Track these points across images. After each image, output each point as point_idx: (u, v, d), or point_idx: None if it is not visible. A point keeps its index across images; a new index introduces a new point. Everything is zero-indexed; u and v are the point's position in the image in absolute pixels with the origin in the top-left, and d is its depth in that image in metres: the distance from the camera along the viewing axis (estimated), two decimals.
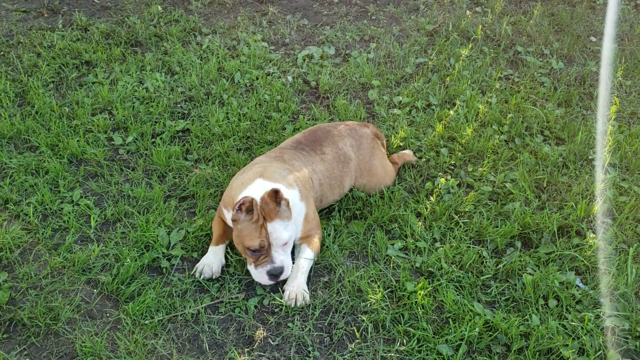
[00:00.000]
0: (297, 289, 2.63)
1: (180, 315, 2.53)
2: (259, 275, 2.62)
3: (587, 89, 4.35)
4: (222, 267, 2.75)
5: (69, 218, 2.97)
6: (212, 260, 2.74)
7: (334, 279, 2.76)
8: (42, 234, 2.89)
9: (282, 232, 2.59)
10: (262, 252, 2.58)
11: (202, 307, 2.57)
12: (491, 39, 4.97)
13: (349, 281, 2.72)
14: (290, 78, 4.32)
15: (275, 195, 2.56)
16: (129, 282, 2.66)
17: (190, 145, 3.55)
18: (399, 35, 5.00)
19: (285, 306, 2.59)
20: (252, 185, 2.67)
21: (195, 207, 3.10)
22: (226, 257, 2.81)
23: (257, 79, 4.23)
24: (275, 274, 2.59)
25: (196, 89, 4.07)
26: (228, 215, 2.75)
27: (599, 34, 5.11)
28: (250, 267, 2.64)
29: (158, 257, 2.79)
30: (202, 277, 2.70)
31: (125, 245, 2.84)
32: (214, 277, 2.71)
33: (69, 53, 4.48)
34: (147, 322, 2.47)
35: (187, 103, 3.97)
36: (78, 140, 3.49)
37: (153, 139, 3.59)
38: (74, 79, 4.19)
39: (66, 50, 4.50)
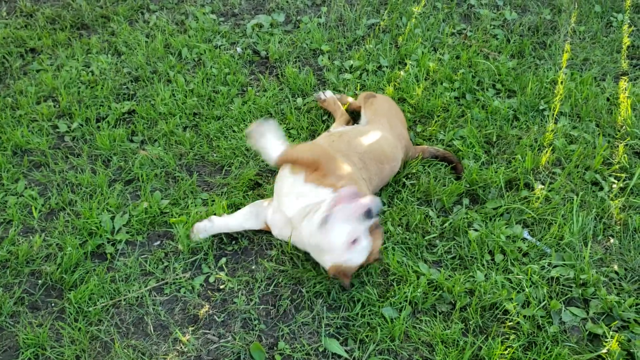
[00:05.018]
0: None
1: (124, 299, 2.52)
2: None
3: (540, 37, 4.28)
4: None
5: (13, 211, 2.93)
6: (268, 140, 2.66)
7: (279, 250, 2.75)
8: None
9: None
10: None
11: (146, 290, 2.56)
12: None
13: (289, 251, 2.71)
14: (239, 49, 4.23)
15: None
16: (72, 270, 2.64)
17: (135, 126, 3.48)
18: None
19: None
20: None
21: (140, 190, 3.07)
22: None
23: (205, 52, 4.14)
24: None
25: (142, 68, 3.98)
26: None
27: None
28: None
29: (102, 244, 2.77)
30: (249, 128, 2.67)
31: (69, 233, 2.81)
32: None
33: (13, 42, 4.36)
34: (90, 309, 2.46)
35: (133, 83, 3.88)
36: (22, 131, 3.42)
37: (98, 123, 3.52)
38: (18, 67, 4.09)
39: (10, 39, 4.38)
